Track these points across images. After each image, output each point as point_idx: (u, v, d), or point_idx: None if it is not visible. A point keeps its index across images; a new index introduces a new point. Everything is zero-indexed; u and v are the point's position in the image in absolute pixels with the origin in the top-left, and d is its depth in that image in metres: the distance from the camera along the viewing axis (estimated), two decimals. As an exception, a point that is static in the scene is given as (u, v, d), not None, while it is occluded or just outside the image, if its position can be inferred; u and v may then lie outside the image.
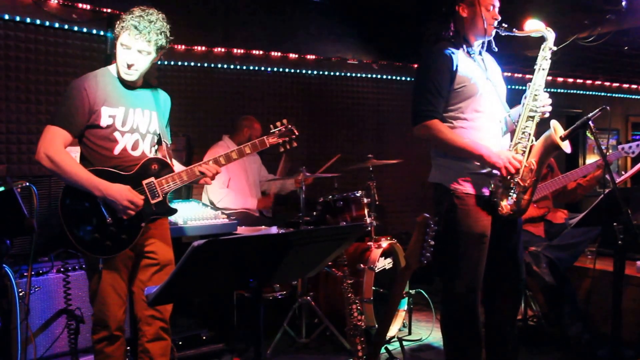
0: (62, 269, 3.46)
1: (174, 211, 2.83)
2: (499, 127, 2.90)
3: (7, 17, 3.93)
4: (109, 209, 2.60)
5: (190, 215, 3.55)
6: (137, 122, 2.74)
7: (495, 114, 2.88)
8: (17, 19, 3.98)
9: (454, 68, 2.78)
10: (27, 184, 2.79)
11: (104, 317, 2.67)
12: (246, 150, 2.84)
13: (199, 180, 2.80)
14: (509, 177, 2.73)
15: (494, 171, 2.75)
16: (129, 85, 2.74)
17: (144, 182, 2.69)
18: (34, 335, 3.29)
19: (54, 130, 2.59)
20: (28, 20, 4.03)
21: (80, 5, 4.29)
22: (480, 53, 2.97)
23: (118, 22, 2.64)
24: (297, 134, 2.94)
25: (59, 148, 2.57)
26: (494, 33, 2.88)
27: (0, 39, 3.93)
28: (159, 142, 2.87)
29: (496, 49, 2.95)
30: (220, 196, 4.59)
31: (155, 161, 2.76)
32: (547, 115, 2.82)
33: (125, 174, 2.67)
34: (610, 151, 3.94)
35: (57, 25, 4.19)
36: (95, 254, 2.61)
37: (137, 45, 2.62)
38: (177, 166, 2.88)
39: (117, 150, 2.68)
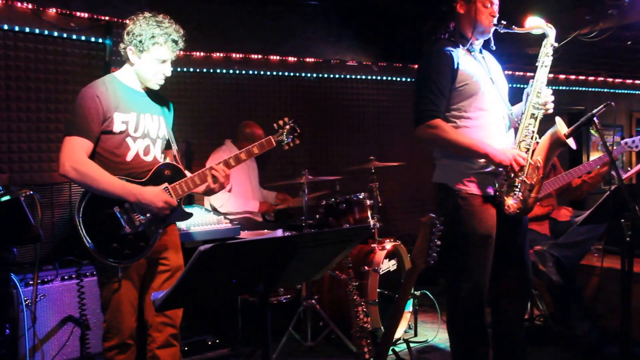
0: (73, 276, 3.49)
1: (190, 215, 2.83)
2: (503, 124, 2.88)
3: (5, 27, 3.92)
4: (127, 218, 2.58)
5: (193, 220, 3.52)
6: (148, 127, 2.74)
7: (498, 112, 2.86)
8: (16, 28, 3.97)
9: (455, 66, 2.76)
10: (31, 192, 2.78)
11: (117, 325, 2.65)
12: (254, 150, 2.86)
13: (212, 188, 2.78)
14: (513, 175, 2.71)
15: (499, 169, 2.74)
16: (137, 91, 2.75)
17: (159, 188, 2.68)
18: (41, 342, 3.30)
19: (74, 141, 2.56)
20: (27, 29, 4.02)
21: (78, 13, 4.27)
22: (480, 51, 2.96)
23: (141, 35, 2.62)
24: (299, 131, 2.99)
25: (83, 158, 2.55)
26: (492, 30, 2.86)
27: (-1, 48, 3.93)
28: (167, 147, 2.88)
29: (494, 48, 2.94)
30: (222, 201, 4.58)
31: (168, 167, 2.76)
32: (550, 111, 2.80)
33: (139, 182, 2.66)
34: (614, 147, 3.92)
35: (55, 34, 4.17)
36: (114, 262, 2.58)
37: (172, 56, 2.70)
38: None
39: (129, 156, 2.68)
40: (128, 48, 2.67)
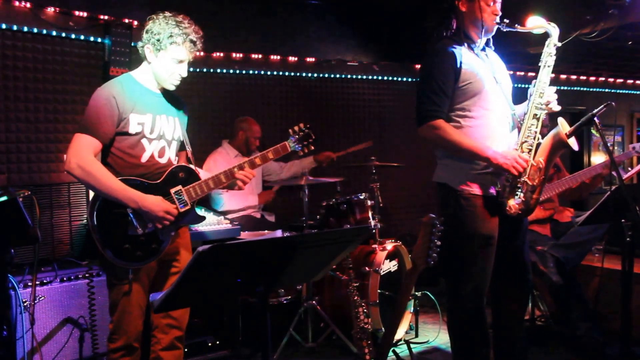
0: (72, 277, 3.48)
1: (202, 219, 2.82)
2: (506, 124, 2.86)
3: (4, 26, 3.91)
4: (139, 219, 2.57)
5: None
6: (164, 128, 2.72)
7: (502, 111, 2.84)
8: (15, 27, 3.96)
9: (458, 65, 2.74)
10: (29, 193, 2.77)
11: (124, 327, 2.63)
12: (269, 155, 2.86)
13: (233, 186, 2.82)
14: (516, 176, 2.69)
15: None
16: (154, 92, 2.73)
17: (172, 190, 2.67)
18: (39, 344, 3.28)
19: (82, 139, 2.54)
20: (25, 29, 4.01)
21: (77, 12, 4.27)
22: (484, 49, 2.94)
23: (159, 33, 2.60)
24: (314, 137, 2.98)
25: (90, 158, 2.52)
26: (495, 29, 2.85)
27: (-2, 48, 3.92)
28: (181, 149, 2.88)
29: (493, 47, 2.92)
30: (222, 200, 4.57)
31: (182, 169, 2.75)
32: (554, 110, 2.78)
33: (153, 183, 2.65)
34: (617, 148, 3.91)
35: (54, 33, 4.17)
36: (126, 263, 2.57)
37: (189, 57, 2.69)
38: (201, 173, 2.87)
39: (144, 157, 2.66)
40: (146, 46, 2.65)
